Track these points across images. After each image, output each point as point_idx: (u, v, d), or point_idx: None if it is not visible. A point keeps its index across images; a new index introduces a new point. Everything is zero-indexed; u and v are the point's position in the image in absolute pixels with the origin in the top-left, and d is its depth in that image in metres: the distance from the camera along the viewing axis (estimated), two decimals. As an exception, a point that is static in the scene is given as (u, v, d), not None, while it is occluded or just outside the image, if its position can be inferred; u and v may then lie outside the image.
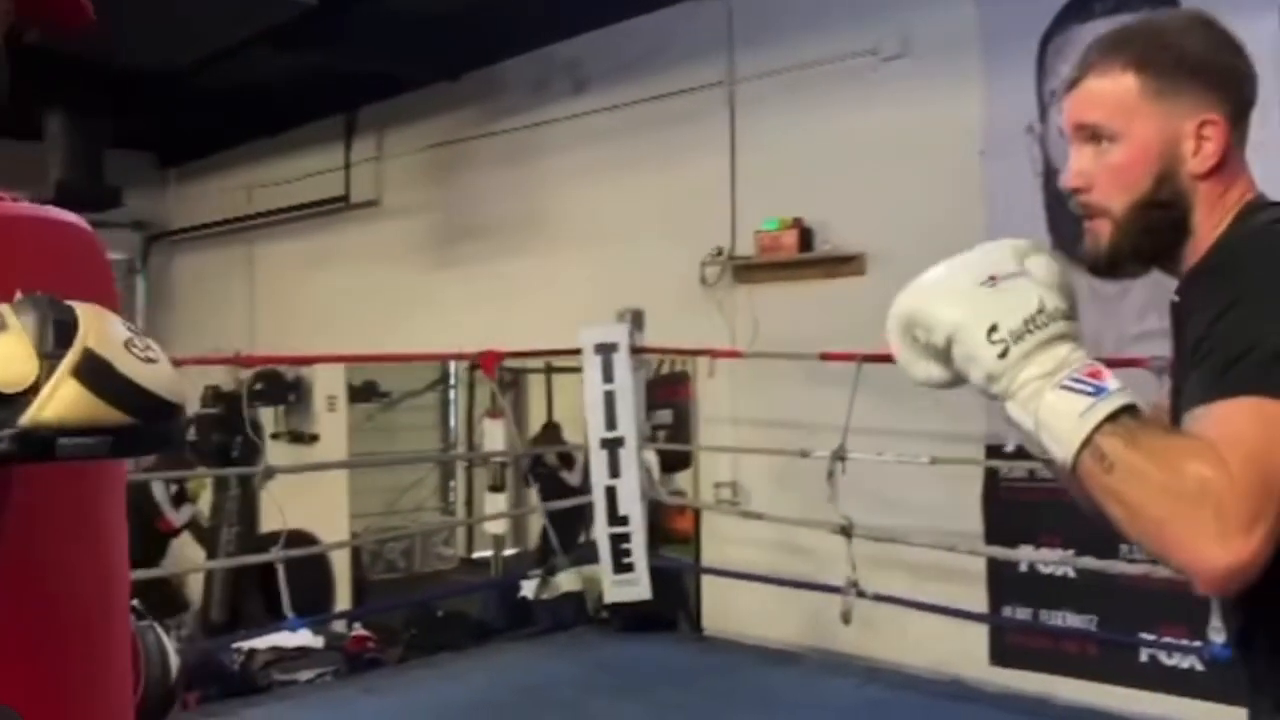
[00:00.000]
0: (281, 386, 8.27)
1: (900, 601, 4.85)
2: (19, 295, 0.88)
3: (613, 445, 5.49)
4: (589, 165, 6.74)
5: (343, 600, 7.56)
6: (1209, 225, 1.30)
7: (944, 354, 1.20)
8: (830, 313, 5.49)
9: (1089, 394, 1.13)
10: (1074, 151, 1.34)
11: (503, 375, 8.19)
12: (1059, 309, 1.18)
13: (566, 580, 6.02)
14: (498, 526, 7.04)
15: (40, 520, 1.01)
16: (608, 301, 6.23)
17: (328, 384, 8.24)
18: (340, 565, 7.72)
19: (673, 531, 6.29)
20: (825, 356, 5.01)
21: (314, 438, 8.31)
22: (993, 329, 1.16)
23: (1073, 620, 4.82)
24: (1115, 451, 1.11)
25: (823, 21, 5.75)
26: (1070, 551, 4.67)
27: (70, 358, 0.85)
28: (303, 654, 5.10)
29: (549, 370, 7.88)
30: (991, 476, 5.00)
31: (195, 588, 8.20)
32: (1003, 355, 1.16)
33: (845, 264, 5.61)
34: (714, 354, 5.76)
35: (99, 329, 0.87)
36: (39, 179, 6.62)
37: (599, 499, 5.47)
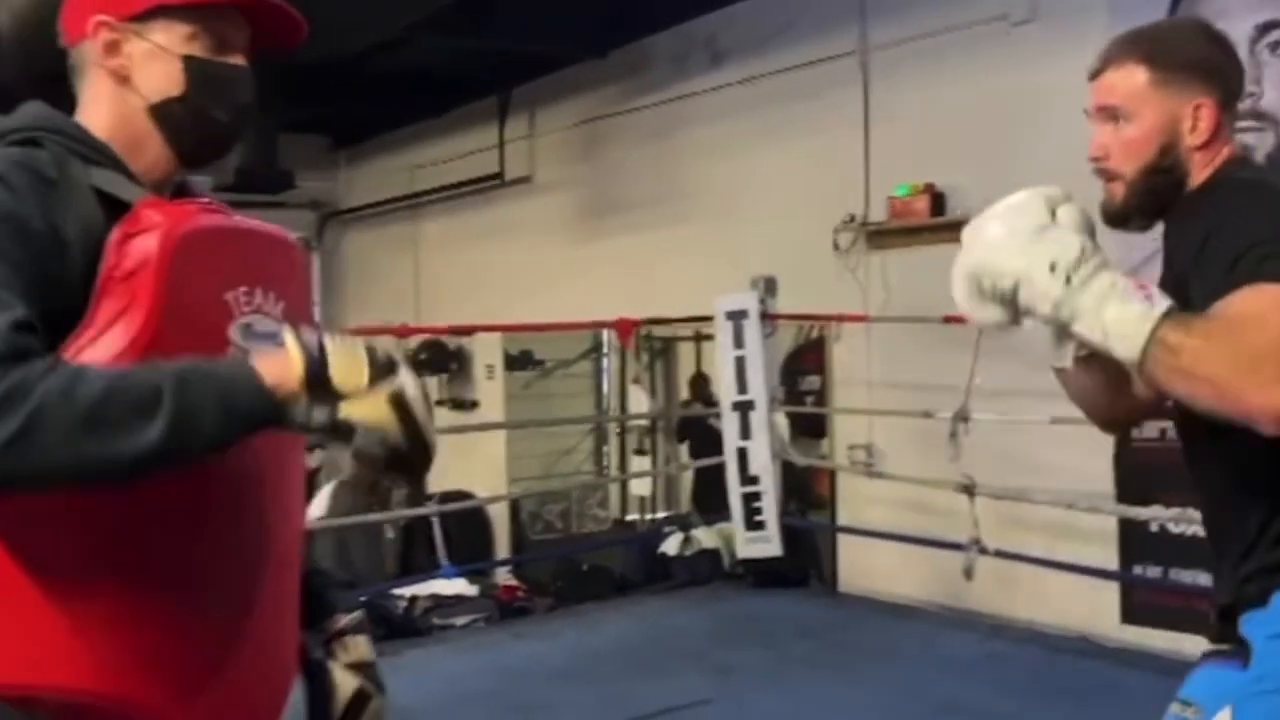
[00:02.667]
0: (444, 356, 8.76)
1: (1024, 559, 4.94)
2: (334, 334, 1.27)
3: (744, 408, 5.70)
4: (727, 137, 6.93)
5: (502, 555, 8.01)
6: (1199, 179, 1.63)
7: (1009, 298, 1.49)
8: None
9: (1145, 301, 1.40)
10: (1096, 128, 1.66)
11: (653, 343, 8.49)
12: (1096, 246, 1.48)
13: (705, 537, 6.28)
14: (643, 488, 7.34)
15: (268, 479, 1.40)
16: (744, 269, 6.42)
17: (486, 353, 8.69)
18: (500, 525, 8.17)
19: (818, 497, 6.48)
20: (948, 319, 5.11)
21: (474, 404, 8.78)
22: (1053, 266, 1.45)
23: (1203, 579, 4.83)
24: (1178, 339, 1.37)
25: (952, -12, 5.81)
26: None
27: (390, 387, 1.25)
28: (459, 601, 5.50)
29: (698, 337, 8.12)
30: (1123, 437, 5.02)
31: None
32: (1067, 282, 1.44)
33: (977, 228, 5.67)
34: (841, 319, 5.90)
35: (410, 381, 1.26)
36: (218, 164, 7.17)
37: (731, 460, 5.70)
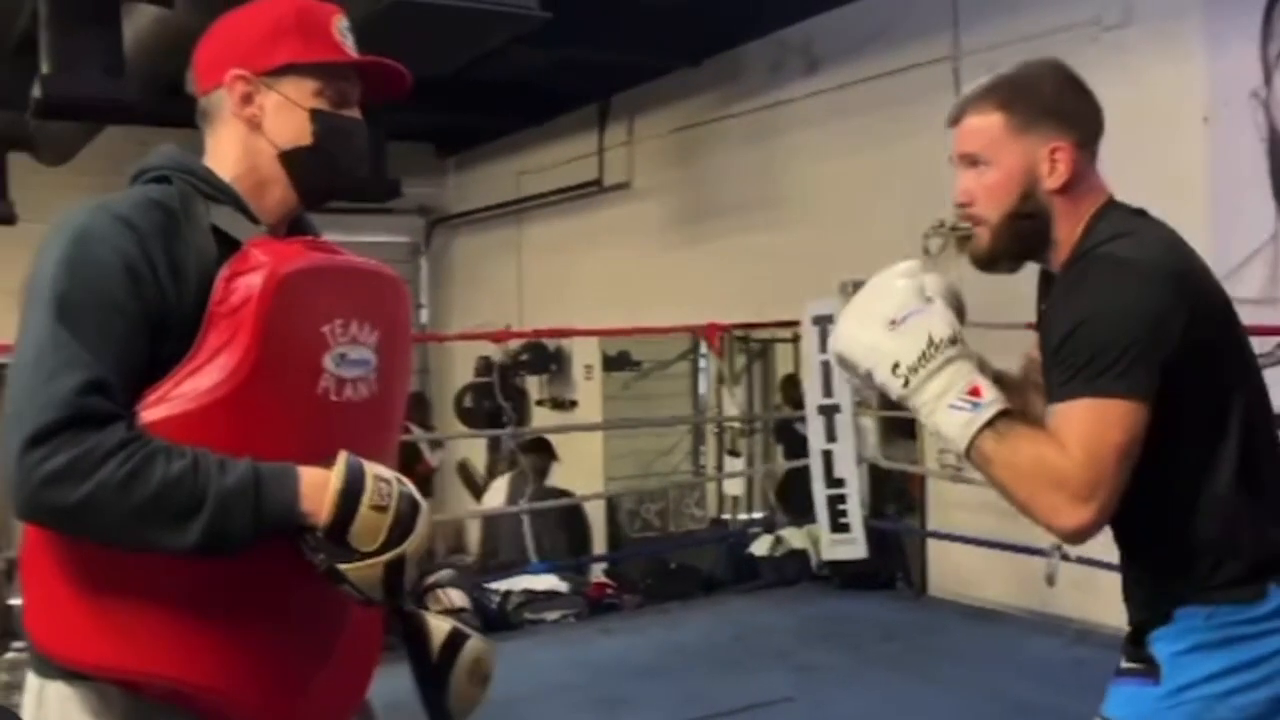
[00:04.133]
0: (544, 357, 8.98)
1: (1106, 565, 4.91)
2: (394, 479, 1.44)
3: (829, 411, 5.78)
4: (821, 143, 7.00)
5: (600, 553, 8.17)
6: (1066, 232, 1.69)
7: (870, 381, 1.65)
8: (1051, 282, 5.56)
9: (968, 410, 1.56)
10: (960, 174, 1.72)
11: (750, 345, 8.58)
12: (944, 337, 1.59)
13: (795, 538, 6.35)
14: (734, 488, 7.44)
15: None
16: (835, 274, 6.48)
17: (584, 354, 8.88)
18: (596, 522, 8.34)
19: (914, 500, 6.50)
20: (1031, 326, 5.11)
21: (573, 404, 8.98)
22: (895, 366, 1.59)
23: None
24: (990, 451, 1.55)
25: (1046, -7, 5.80)
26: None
27: (391, 554, 1.40)
28: (550, 597, 5.68)
29: (795, 340, 8.18)
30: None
31: (475, 534, 9.06)
32: (905, 384, 1.59)
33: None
34: (926, 324, 5.89)
35: (419, 540, 1.42)
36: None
37: (815, 462, 5.78)
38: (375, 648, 1.68)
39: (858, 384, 1.71)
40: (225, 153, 1.55)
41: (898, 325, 1.59)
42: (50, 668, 1.44)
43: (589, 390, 8.93)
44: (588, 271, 8.85)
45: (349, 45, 1.59)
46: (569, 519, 7.16)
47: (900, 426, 6.41)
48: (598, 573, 6.74)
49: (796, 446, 6.50)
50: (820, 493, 5.79)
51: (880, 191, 6.58)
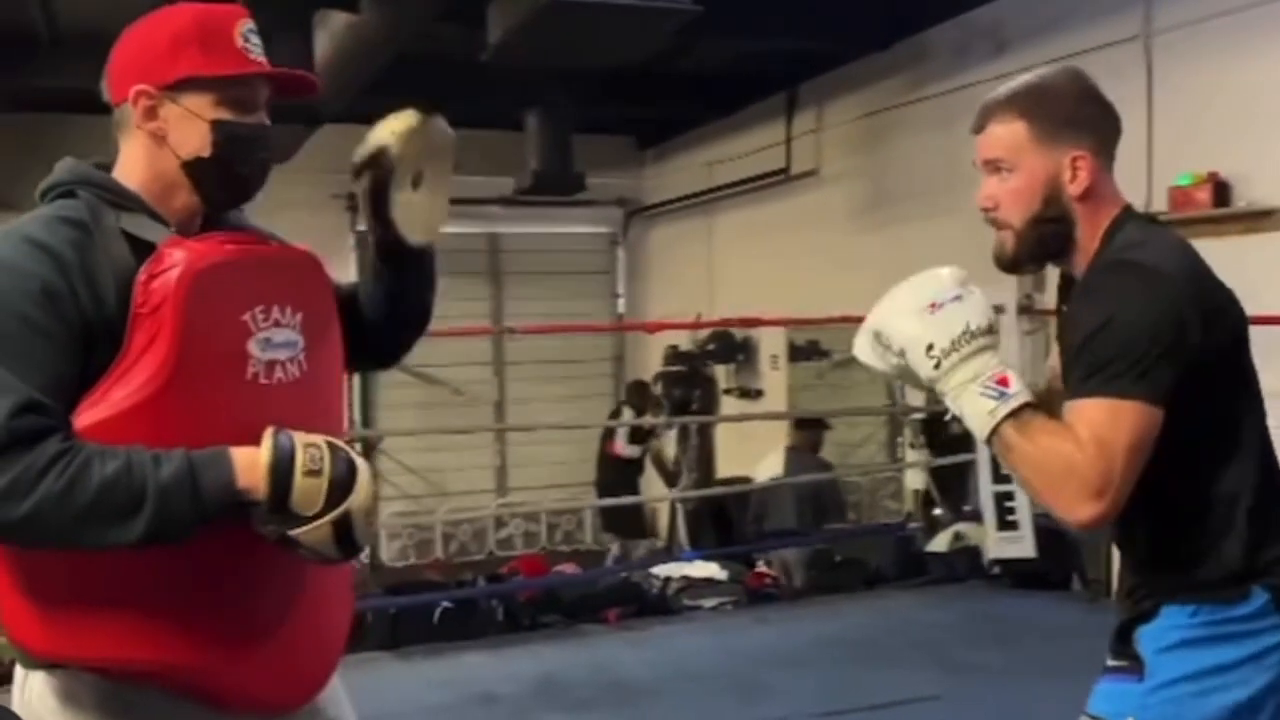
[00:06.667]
0: (731, 346, 9.03)
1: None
2: (325, 444, 1.51)
3: (996, 405, 5.57)
4: (1008, 127, 6.77)
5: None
6: (1088, 237, 1.74)
7: (901, 359, 1.67)
8: (1245, 269, 5.23)
9: (994, 398, 1.59)
10: (984, 180, 1.77)
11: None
12: (980, 328, 1.62)
13: (974, 535, 6.18)
14: (918, 482, 7.30)
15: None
16: (1019, 262, 6.28)
17: (771, 344, 8.87)
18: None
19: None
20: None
21: (759, 393, 8.99)
22: (930, 347, 1.62)
23: None
24: (1012, 440, 1.59)
25: (1242, -34, 5.45)
26: None
27: (335, 513, 1.49)
28: (710, 584, 5.74)
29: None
30: None
31: (663, 520, 9.22)
32: (936, 366, 1.62)
33: (1263, 219, 5.32)
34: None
35: (361, 492, 1.51)
36: (518, 166, 7.77)
37: (982, 457, 5.61)
38: (346, 595, 1.78)
39: (884, 369, 1.70)
40: (133, 163, 1.61)
41: (937, 309, 1.63)
42: (31, 660, 1.58)
43: (775, 380, 8.92)
44: (775, 260, 8.84)
45: (253, 50, 1.61)
46: (827, 491, 7.36)
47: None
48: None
49: (947, 440, 6.34)
50: (987, 489, 5.62)
51: (1067, 176, 6.33)
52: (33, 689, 1.58)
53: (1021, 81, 1.76)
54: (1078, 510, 1.55)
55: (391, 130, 1.68)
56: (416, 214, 1.74)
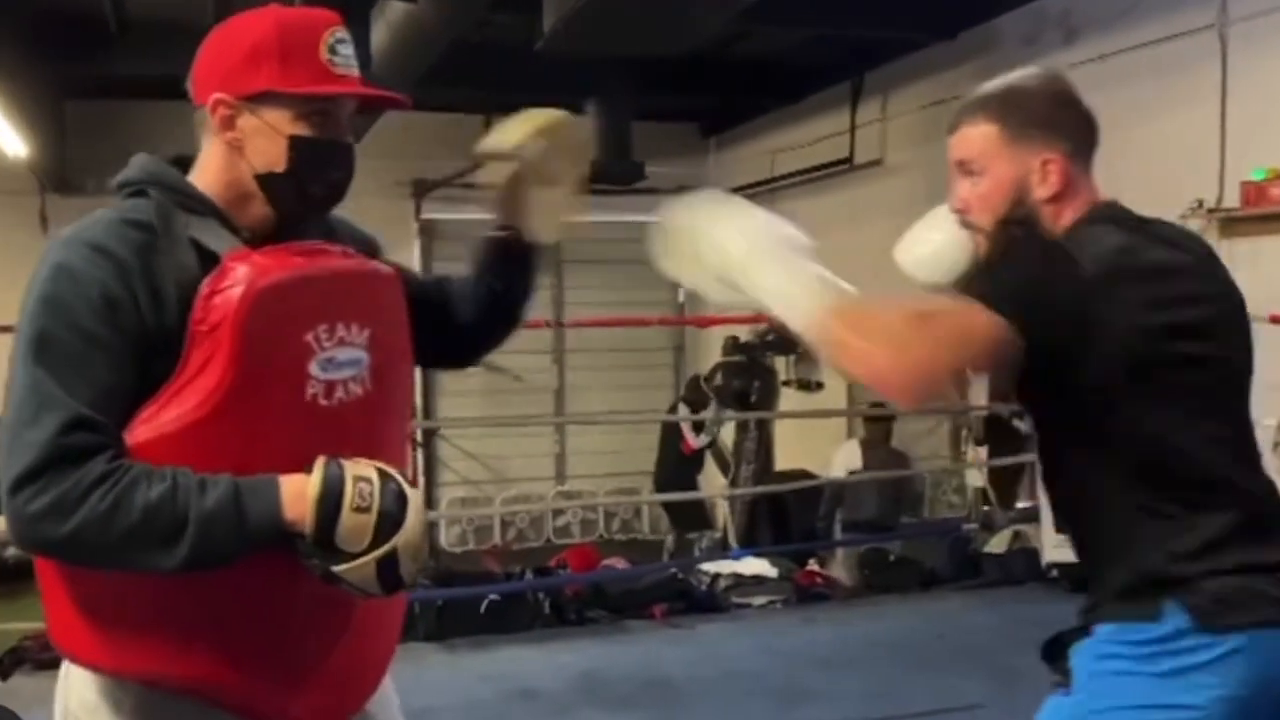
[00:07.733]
0: (791, 338, 8.88)
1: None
2: (377, 475, 1.47)
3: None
4: (1078, 117, 6.59)
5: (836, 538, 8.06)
6: (1057, 233, 1.70)
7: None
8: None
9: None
10: (955, 182, 1.77)
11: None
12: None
13: (1031, 535, 6.05)
14: (979, 479, 7.16)
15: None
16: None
17: (833, 335, 8.72)
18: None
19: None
20: (1275, 319, 4.65)
21: (819, 385, 8.85)
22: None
23: None
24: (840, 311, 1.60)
25: (1321, -48, 5.24)
26: None
27: (381, 551, 1.45)
28: (759, 582, 5.67)
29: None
30: None
31: (722, 512, 9.15)
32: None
33: (1339, 216, 5.12)
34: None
35: (409, 530, 1.45)
36: (576, 158, 7.72)
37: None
38: (394, 622, 1.74)
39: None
40: (211, 166, 1.57)
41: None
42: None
43: (834, 371, 8.78)
44: (838, 250, 8.62)
45: (339, 64, 1.55)
46: (905, 483, 7.48)
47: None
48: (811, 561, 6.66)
49: (1007, 439, 6.21)
50: (1043, 490, 5.47)
51: (1135, 167, 6.06)
52: (74, 681, 1.58)
53: (997, 83, 1.75)
54: (875, 358, 1.51)
55: (533, 126, 1.68)
56: (551, 213, 1.74)
